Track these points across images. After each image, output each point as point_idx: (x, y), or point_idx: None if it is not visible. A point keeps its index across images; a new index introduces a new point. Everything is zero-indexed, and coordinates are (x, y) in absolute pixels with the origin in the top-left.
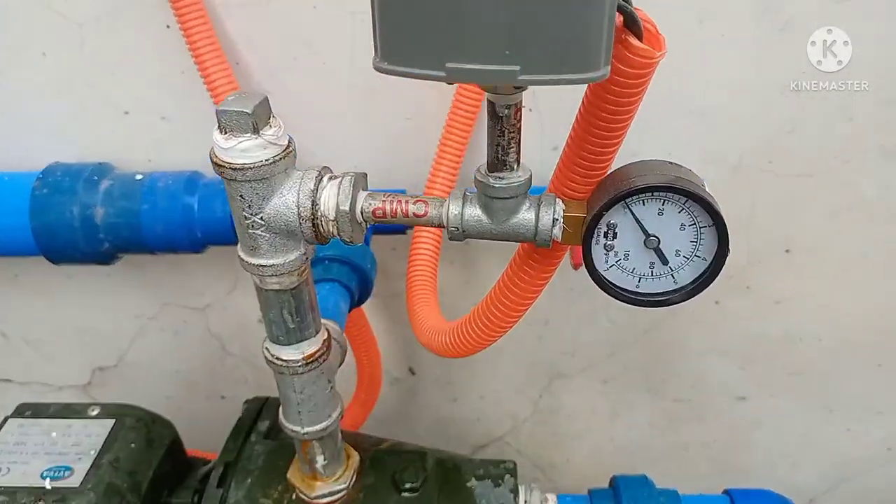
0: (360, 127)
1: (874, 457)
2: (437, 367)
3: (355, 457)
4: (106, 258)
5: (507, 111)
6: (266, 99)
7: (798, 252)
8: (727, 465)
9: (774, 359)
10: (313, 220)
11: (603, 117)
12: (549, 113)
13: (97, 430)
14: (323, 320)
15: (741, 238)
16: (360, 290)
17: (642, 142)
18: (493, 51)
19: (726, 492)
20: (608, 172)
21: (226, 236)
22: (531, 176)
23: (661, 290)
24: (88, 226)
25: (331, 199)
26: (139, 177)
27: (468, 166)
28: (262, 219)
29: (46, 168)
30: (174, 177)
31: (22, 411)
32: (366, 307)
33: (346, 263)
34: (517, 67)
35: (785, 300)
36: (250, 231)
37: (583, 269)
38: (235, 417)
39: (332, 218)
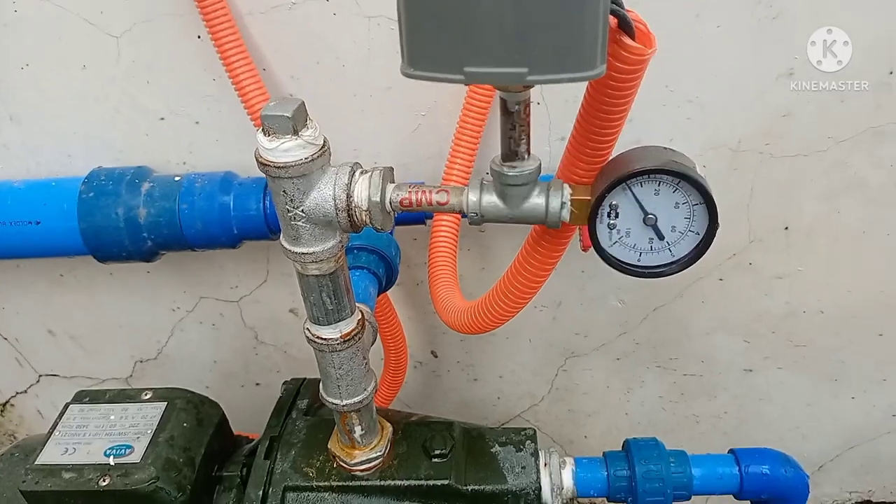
0: (378, 124)
1: (879, 424)
2: (459, 350)
3: (388, 428)
4: (149, 256)
5: (517, 107)
6: (303, 104)
7: (797, 230)
8: (738, 436)
9: (779, 332)
10: (348, 210)
11: (603, 109)
12: (556, 106)
13: (151, 412)
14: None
15: (742, 218)
16: (386, 277)
17: (646, 130)
18: (504, 56)
19: (731, 451)
20: (609, 158)
21: (259, 231)
22: (540, 164)
23: (660, 263)
24: (132, 226)
25: (363, 192)
26: (177, 178)
27: (479, 159)
28: (302, 211)
29: (90, 173)
30: (210, 177)
31: (81, 398)
32: (390, 295)
33: (374, 252)
34: (525, 70)
35: (786, 276)
36: (292, 223)
37: (592, 251)
38: (270, 402)
39: (364, 208)
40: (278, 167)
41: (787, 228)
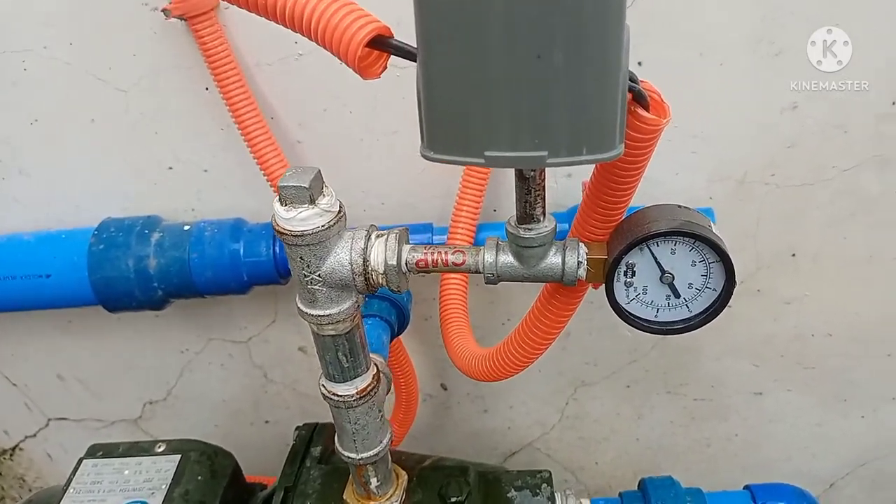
0: (385, 166)
1: (891, 441)
2: (468, 382)
3: (404, 476)
4: (159, 304)
5: (532, 173)
6: (319, 172)
7: (804, 256)
8: (749, 458)
9: (787, 355)
10: (365, 274)
11: (617, 174)
12: None
13: (166, 466)
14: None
15: (749, 246)
16: (398, 323)
17: (652, 166)
18: (525, 140)
19: (747, 487)
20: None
21: (269, 276)
22: (556, 226)
23: (677, 319)
24: (143, 276)
25: (380, 255)
26: (187, 227)
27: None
28: (319, 276)
29: (100, 224)
30: (219, 225)
31: (94, 452)
32: None
33: (386, 299)
34: (545, 153)
35: (794, 301)
36: (309, 287)
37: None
38: (280, 439)
39: (381, 272)
40: (295, 236)
41: (794, 255)
